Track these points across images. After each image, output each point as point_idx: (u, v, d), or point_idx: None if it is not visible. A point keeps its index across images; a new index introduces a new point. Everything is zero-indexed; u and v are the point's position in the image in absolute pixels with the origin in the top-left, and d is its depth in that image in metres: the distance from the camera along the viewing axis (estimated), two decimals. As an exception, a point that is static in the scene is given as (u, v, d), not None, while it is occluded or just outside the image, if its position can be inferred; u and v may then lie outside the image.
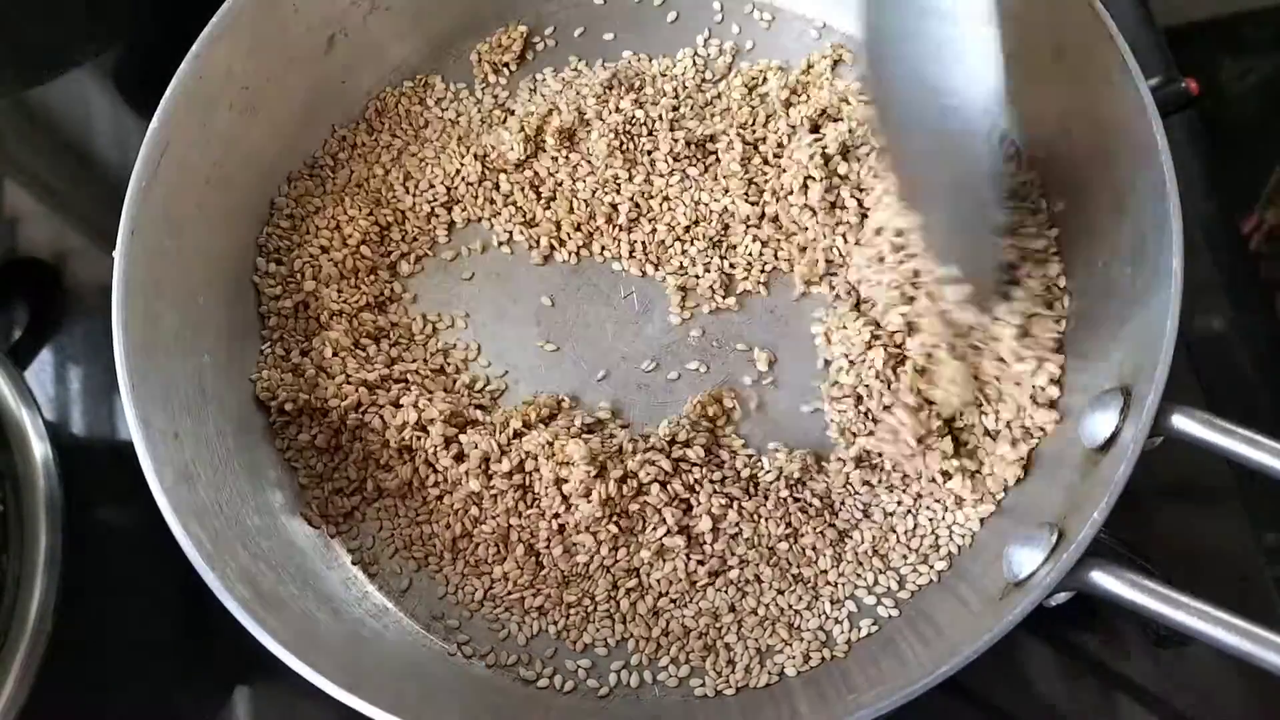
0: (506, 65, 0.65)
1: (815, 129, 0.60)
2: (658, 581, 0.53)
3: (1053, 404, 0.52)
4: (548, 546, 0.54)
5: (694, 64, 0.64)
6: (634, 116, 0.61)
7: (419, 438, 0.55)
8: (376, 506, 0.56)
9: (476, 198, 0.61)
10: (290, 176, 0.62)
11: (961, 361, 0.51)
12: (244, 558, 0.49)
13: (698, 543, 0.53)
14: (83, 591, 0.57)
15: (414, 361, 0.58)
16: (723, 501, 0.53)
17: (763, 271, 0.59)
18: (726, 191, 0.60)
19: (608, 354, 0.59)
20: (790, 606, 0.52)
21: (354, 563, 0.55)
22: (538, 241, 0.60)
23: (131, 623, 0.59)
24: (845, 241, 0.58)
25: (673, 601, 0.53)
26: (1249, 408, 0.59)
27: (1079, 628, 0.56)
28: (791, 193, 0.58)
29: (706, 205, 0.60)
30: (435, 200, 0.61)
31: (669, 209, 0.60)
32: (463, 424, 0.56)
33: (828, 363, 0.57)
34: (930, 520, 0.53)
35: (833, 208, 0.58)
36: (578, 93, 0.63)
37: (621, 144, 0.61)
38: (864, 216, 0.57)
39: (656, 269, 0.60)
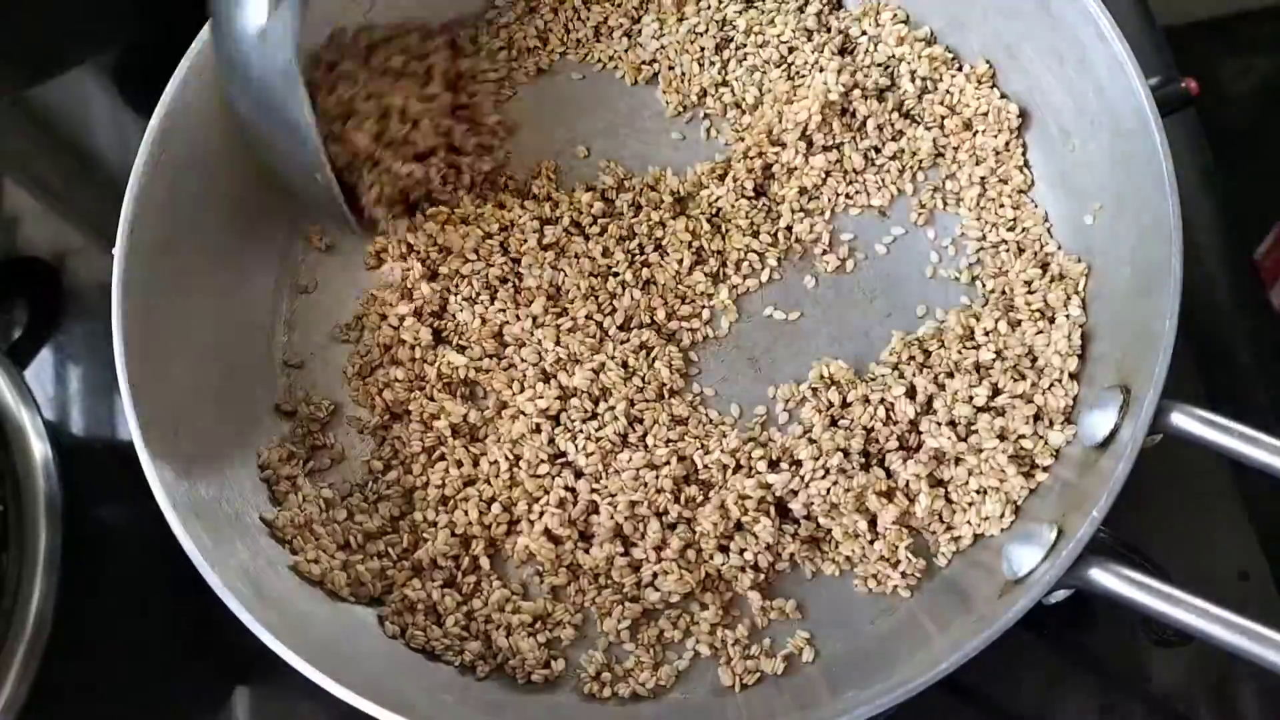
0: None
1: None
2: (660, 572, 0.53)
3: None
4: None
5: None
6: None
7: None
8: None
9: None
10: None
11: None
12: (244, 555, 0.49)
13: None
14: (83, 591, 0.57)
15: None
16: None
17: None
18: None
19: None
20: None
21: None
22: None
23: (131, 623, 0.59)
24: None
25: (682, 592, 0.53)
26: (1248, 406, 0.59)
27: (1078, 626, 0.56)
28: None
29: None
30: None
31: None
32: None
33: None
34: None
35: None
36: None
37: None
38: None
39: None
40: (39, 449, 0.59)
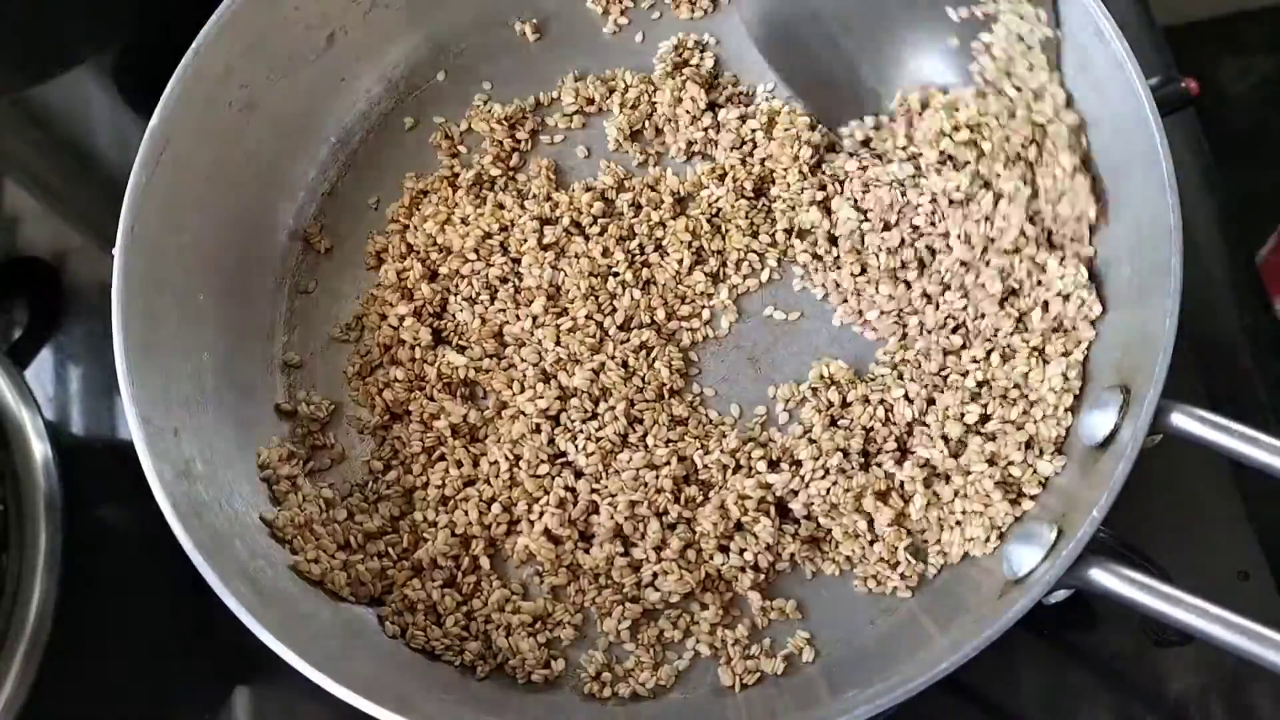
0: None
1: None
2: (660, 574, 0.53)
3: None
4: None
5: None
6: None
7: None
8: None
9: None
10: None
11: None
12: (243, 554, 0.49)
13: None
14: (83, 591, 0.57)
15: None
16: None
17: None
18: None
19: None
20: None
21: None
22: None
23: (131, 623, 0.59)
24: None
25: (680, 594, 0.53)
26: (1248, 406, 0.59)
27: (1078, 626, 0.56)
28: None
29: None
30: None
31: None
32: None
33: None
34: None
35: None
36: None
37: None
38: None
39: None
40: (39, 449, 0.59)
